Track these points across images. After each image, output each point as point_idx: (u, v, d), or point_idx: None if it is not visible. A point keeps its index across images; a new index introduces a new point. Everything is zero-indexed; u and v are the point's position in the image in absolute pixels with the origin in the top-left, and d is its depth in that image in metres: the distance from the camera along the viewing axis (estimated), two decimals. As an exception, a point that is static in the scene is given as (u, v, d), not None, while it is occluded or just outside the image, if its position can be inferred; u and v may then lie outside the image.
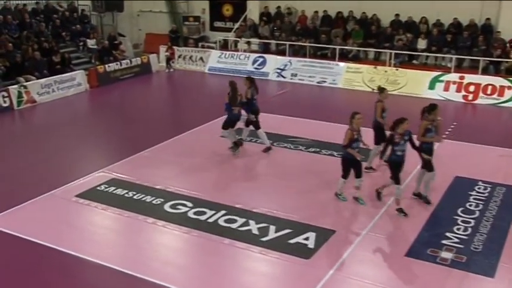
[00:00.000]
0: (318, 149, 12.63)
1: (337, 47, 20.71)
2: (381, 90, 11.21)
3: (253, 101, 12.30)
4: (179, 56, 22.87)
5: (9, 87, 16.64)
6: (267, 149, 12.54)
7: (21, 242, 8.56)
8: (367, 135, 10.35)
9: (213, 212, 9.45)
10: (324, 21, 22.58)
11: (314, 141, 13.14)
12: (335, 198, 10.08)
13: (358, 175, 9.75)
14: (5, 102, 16.21)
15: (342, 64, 20.07)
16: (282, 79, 20.49)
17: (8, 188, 10.68)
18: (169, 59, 22.34)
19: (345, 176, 9.84)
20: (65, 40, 21.88)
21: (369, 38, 21.33)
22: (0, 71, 18.16)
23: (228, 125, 12.06)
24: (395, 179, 9.33)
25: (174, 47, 22.77)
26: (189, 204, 9.76)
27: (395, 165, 9.30)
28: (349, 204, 9.87)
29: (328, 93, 19.05)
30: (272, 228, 8.92)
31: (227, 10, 25.35)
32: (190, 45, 24.13)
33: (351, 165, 9.71)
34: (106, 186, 10.59)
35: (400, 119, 9.20)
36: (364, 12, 21.90)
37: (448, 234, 8.76)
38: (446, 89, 18.07)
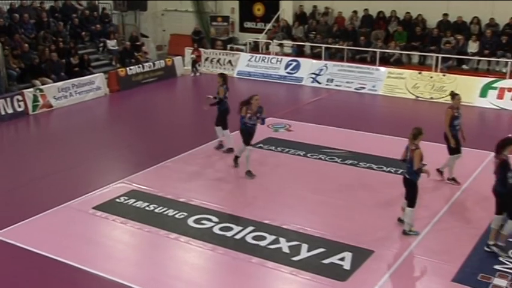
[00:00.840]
0: (355, 162, 12.59)
1: (378, 50, 20.64)
2: (453, 95, 11.19)
3: (224, 100, 13.12)
4: (206, 59, 23.12)
5: (25, 90, 17.06)
6: (229, 150, 13.05)
7: (33, 256, 8.75)
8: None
9: (240, 227, 9.50)
10: (364, 22, 22.55)
11: (351, 152, 13.11)
12: (374, 215, 10.02)
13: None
14: (19, 106, 16.64)
15: (382, 69, 19.99)
16: (317, 85, 20.51)
17: (20, 198, 10.95)
18: (195, 62, 22.59)
19: (413, 203, 9.24)
20: (83, 41, 22.36)
21: (413, 41, 21.20)
22: (15, 73, 18.68)
23: (247, 138, 11.83)
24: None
25: (201, 49, 23.03)
26: (215, 219, 9.85)
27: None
28: (389, 221, 9.80)
29: (367, 100, 18.98)
30: (304, 246, 8.93)
31: (258, 10, 25.55)
32: (218, 47, 24.37)
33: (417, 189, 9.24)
34: (125, 198, 10.76)
35: (507, 139, 8.59)
36: (408, 12, 21.81)
37: (501, 258, 8.62)
38: (500, 96, 17.81)
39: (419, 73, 19.28)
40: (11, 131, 15.98)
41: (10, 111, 16.31)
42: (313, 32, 22.98)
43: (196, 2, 26.26)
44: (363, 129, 14.90)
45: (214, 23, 25.79)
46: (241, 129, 11.88)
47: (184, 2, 26.58)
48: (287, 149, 13.39)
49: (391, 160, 12.20)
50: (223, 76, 13.46)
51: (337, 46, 21.85)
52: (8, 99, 16.37)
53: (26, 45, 19.43)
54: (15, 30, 19.83)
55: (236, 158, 12.29)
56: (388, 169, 12.11)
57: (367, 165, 12.38)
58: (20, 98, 16.67)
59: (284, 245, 8.98)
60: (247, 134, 11.79)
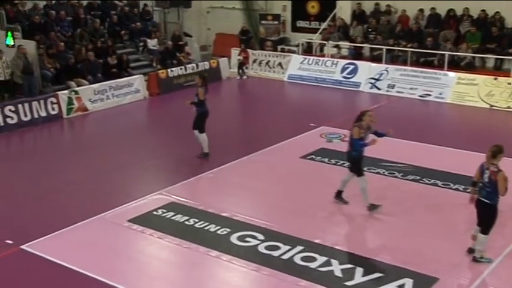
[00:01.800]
0: (417, 177, 12.43)
1: (447, 53, 20.34)
2: None
3: (204, 102, 13.49)
4: (254, 61, 23.26)
5: (59, 92, 17.53)
6: (204, 155, 13.40)
7: (63, 270, 8.93)
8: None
9: (288, 247, 9.48)
10: (431, 21, 22.29)
11: (413, 167, 12.96)
12: (438, 238, 9.83)
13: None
14: (53, 109, 17.11)
15: (451, 74, 19.68)
16: (376, 91, 20.35)
17: (51, 207, 11.23)
18: (242, 64, 22.76)
19: (489, 231, 8.91)
20: (122, 40, 22.86)
21: (488, 42, 20.82)
22: (50, 73, 19.23)
23: (360, 167, 10.93)
24: None
25: (249, 51, 23.19)
26: (260, 236, 9.86)
27: None
28: (456, 245, 9.60)
29: (433, 109, 18.72)
30: (359, 270, 8.84)
31: (312, 7, 25.58)
32: (268, 48, 24.50)
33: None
34: (164, 211, 10.90)
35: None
36: (483, 10, 21.43)
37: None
38: None
39: (495, 79, 18.89)
40: (44, 135, 16.45)
41: (43, 114, 16.79)
42: (373, 33, 22.85)
43: (245, -2, 26.49)
44: (427, 141, 14.68)
45: (263, 22, 25.95)
46: (352, 156, 10.80)
47: (231, -1, 26.87)
48: (341, 162, 13.25)
49: (459, 176, 11.99)
50: (203, 77, 13.91)
51: (400, 48, 21.64)
52: (42, 101, 16.85)
53: (62, 44, 19.98)
54: (51, 28, 20.46)
55: (340, 193, 11.19)
56: (456, 186, 11.89)
57: (432, 181, 12.19)
58: (54, 100, 17.14)
59: (336, 267, 8.91)
60: (360, 162, 10.80)
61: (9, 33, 18.78)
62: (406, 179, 12.40)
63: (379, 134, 10.99)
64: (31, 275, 8.93)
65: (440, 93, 19.39)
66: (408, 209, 11.01)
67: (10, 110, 16.02)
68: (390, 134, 11.15)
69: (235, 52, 23.33)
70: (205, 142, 13.60)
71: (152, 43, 22.97)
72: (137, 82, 19.61)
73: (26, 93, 18.09)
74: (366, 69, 21.02)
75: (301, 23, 26.05)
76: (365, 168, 12.72)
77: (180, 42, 23.61)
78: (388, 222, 10.47)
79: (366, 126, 10.72)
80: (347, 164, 11.20)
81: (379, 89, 20.44)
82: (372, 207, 10.76)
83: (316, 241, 9.68)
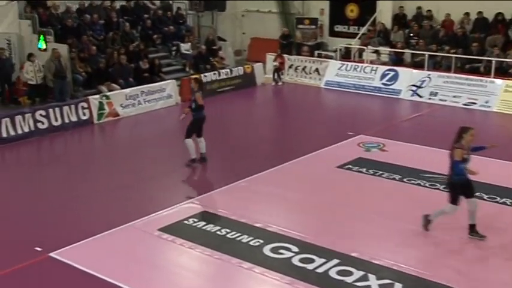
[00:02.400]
0: (462, 190, 12.24)
1: (494, 59, 20.09)
2: None
3: (203, 107, 13.67)
4: (289, 67, 23.30)
5: (90, 97, 17.81)
6: (192, 161, 13.65)
7: (91, 279, 9.02)
8: None
9: (323, 260, 9.43)
10: (477, 26, 22.04)
11: (457, 179, 12.77)
12: (486, 255, 9.67)
13: None
14: (84, 114, 17.36)
15: (499, 81, 19.44)
16: (417, 98, 20.18)
17: (80, 214, 11.38)
18: (277, 70, 22.80)
19: None
20: (155, 43, 23.12)
21: (538, 48, 20.51)
22: (81, 77, 19.56)
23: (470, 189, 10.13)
24: None
25: (285, 56, 23.22)
26: (294, 248, 9.83)
27: None
28: (505, 262, 9.43)
29: (478, 118, 18.47)
30: (398, 286, 8.74)
31: (351, 11, 25.52)
32: (304, 53, 24.54)
33: None
34: (195, 220, 10.95)
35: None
36: (534, 14, 21.14)
37: None
38: None
39: (544, 87, 18.60)
40: (74, 141, 16.71)
41: (74, 119, 17.07)
42: (415, 38, 22.69)
43: (281, 2, 26.56)
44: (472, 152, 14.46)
45: (300, 26, 25.99)
46: (453, 182, 10.07)
47: (267, 2, 26.97)
48: (380, 172, 13.21)
49: (507, 190, 11.78)
50: (199, 80, 14.10)
51: (443, 54, 21.43)
52: (73, 106, 17.14)
53: (94, 47, 20.31)
54: (83, 32, 20.81)
55: (428, 222, 10.43)
56: (503, 200, 11.71)
57: (476, 194, 11.98)
58: (85, 105, 17.40)
59: (374, 283, 8.83)
60: (461, 188, 9.98)
61: (41, 36, 19.20)
62: (448, 191, 12.19)
63: (477, 149, 10.18)
64: (59, 283, 9.05)
65: (486, 102, 19.13)
66: (451, 222, 10.84)
67: (41, 115, 16.32)
68: (494, 146, 10.57)
69: (270, 57, 23.37)
70: (192, 148, 13.71)
71: (185, 47, 23.18)
72: (169, 87, 19.79)
73: (57, 98, 18.44)
74: (407, 76, 20.86)
75: (339, 28, 26.00)
76: (405, 179, 12.74)
77: (214, 47, 23.79)
78: (429, 236, 10.32)
79: (467, 145, 9.96)
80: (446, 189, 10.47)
81: (420, 96, 20.26)
82: (477, 234, 10.08)
83: (353, 254, 9.61)
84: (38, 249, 9.79)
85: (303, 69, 23.14)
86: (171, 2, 25.32)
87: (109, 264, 9.46)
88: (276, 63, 22.81)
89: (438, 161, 13.81)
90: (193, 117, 13.72)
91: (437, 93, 20.03)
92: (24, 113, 16.09)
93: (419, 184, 12.62)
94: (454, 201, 10.06)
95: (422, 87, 20.34)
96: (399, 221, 10.92)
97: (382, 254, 9.64)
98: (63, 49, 19.12)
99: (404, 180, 12.80)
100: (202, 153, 13.91)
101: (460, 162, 9.82)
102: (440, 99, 19.85)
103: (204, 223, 10.79)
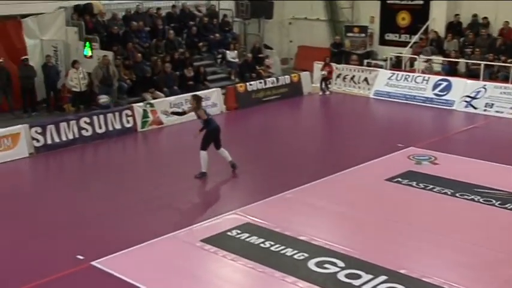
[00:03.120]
0: (519, 206, 12.02)
1: (554, 70, 19.68)
2: None
3: (210, 118, 13.89)
4: (338, 76, 23.21)
5: (134, 104, 18.05)
6: (202, 175, 13.61)
7: (134, 289, 9.15)
8: None
9: (370, 276, 9.32)
10: (538, 35, 21.62)
11: (514, 194, 12.56)
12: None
13: None
14: (128, 122, 17.61)
15: (558, 93, 19.03)
16: (471, 110, 19.86)
17: (123, 224, 11.51)
18: (325, 79, 22.73)
19: None
20: (200, 51, 23.34)
21: None
22: (126, 85, 19.86)
23: None
24: None
25: (333, 65, 23.14)
26: (340, 263, 9.74)
27: None
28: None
29: (536, 131, 18.09)
30: (449, 306, 8.60)
31: (403, 19, 25.31)
32: (353, 62, 24.44)
33: None
34: (238, 231, 10.96)
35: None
36: None
37: None
38: None
39: None
40: (117, 149, 16.95)
41: (118, 126, 17.32)
42: (470, 47, 22.38)
43: (330, 9, 26.52)
44: (529, 166, 14.20)
45: (349, 34, 25.91)
46: None
47: (315, 9, 27.01)
48: (431, 186, 13.02)
49: None
50: (196, 98, 14.06)
51: (500, 64, 21.06)
52: (117, 113, 17.39)
53: (139, 55, 20.61)
54: (129, 39, 21.14)
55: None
56: None
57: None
58: (129, 112, 17.65)
59: (423, 301, 8.71)
60: None
61: (87, 43, 19.60)
62: (505, 208, 11.98)
63: None
64: (100, 292, 9.19)
65: (546, 114, 18.75)
66: (507, 240, 10.62)
67: (85, 122, 16.61)
68: None
69: (318, 66, 23.33)
70: (205, 161, 13.70)
71: (231, 55, 23.32)
72: (214, 96, 19.91)
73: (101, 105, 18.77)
74: (461, 87, 20.54)
75: (390, 36, 25.82)
76: (457, 194, 12.53)
77: (260, 55, 23.88)
78: (482, 254, 10.11)
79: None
80: None
81: (475, 108, 19.94)
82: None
83: (402, 271, 9.48)
84: (80, 257, 9.94)
85: (352, 78, 23.02)
86: (217, 8, 25.49)
87: (150, 274, 9.53)
88: (324, 72, 22.72)
89: (494, 175, 13.64)
90: (206, 129, 13.81)
91: (493, 104, 19.66)
92: (69, 120, 16.41)
93: (472, 199, 12.39)
94: None
95: (477, 99, 19.99)
96: (451, 238, 10.73)
97: (432, 271, 9.48)
98: (108, 56, 19.47)
99: (457, 195, 12.58)
100: (230, 161, 14.01)
101: None
102: (497, 111, 19.48)
103: (247, 235, 10.79)
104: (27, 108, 19.20)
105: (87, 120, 16.69)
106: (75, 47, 20.40)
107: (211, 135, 13.76)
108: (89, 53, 19.55)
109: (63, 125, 16.18)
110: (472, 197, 12.50)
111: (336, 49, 25.12)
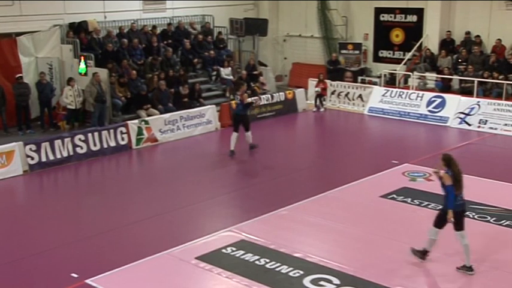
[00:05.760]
0: (513, 223, 12.05)
1: (546, 87, 19.79)
2: None
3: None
4: (332, 93, 23.29)
5: (129, 122, 18.07)
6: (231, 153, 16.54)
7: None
8: None
9: (366, 293, 9.35)
10: (531, 52, 21.75)
11: (508, 211, 12.59)
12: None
13: None
14: (122, 139, 17.61)
15: (552, 110, 19.13)
16: (465, 127, 19.93)
17: (118, 242, 11.52)
18: (319, 96, 22.80)
19: None
20: (195, 68, 23.42)
21: None
22: (121, 102, 19.90)
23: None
24: None
25: (327, 81, 23.23)
26: (336, 280, 9.75)
27: None
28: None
29: (530, 148, 18.16)
30: (444, 323, 8.60)
31: (397, 36, 25.47)
32: (348, 79, 24.52)
33: None
34: (233, 249, 10.97)
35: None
36: None
37: None
38: None
39: None
40: (112, 166, 16.96)
41: (113, 144, 17.33)
42: (464, 63, 22.48)
43: (324, 26, 26.66)
44: (524, 183, 14.25)
45: (343, 51, 26.04)
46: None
47: (309, 27, 27.15)
48: (426, 203, 13.05)
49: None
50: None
51: (493, 81, 21.17)
52: (112, 131, 17.41)
53: (134, 72, 20.67)
54: (123, 56, 21.20)
55: (425, 252, 10.51)
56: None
57: None
58: (123, 130, 17.67)
59: (419, 318, 8.70)
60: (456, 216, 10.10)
61: (82, 61, 19.65)
62: (500, 224, 12.02)
63: None
64: (95, 310, 9.16)
65: (540, 131, 18.82)
66: (501, 258, 10.65)
67: (80, 139, 16.62)
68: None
69: (312, 83, 23.42)
70: (232, 141, 16.95)
71: (226, 72, 23.40)
72: (209, 113, 19.97)
73: (94, 122, 18.78)
74: (455, 103, 20.63)
75: (384, 53, 25.96)
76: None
77: (255, 72, 23.96)
78: (482, 273, 10.13)
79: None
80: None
81: (469, 124, 20.01)
82: (469, 269, 10.04)
83: (397, 288, 9.51)
84: (75, 275, 9.93)
85: (346, 95, 23.10)
86: (211, 26, 25.61)
87: (145, 292, 9.52)
88: (318, 89, 22.80)
89: (488, 192, 13.68)
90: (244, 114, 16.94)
91: (487, 121, 19.74)
92: (64, 138, 16.42)
93: (467, 216, 12.36)
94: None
95: (471, 115, 20.08)
96: (446, 255, 10.74)
97: (427, 288, 9.50)
98: (103, 73, 19.54)
99: (452, 211, 12.60)
100: (249, 144, 17.17)
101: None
102: (490, 128, 19.55)
103: (242, 252, 10.80)
104: (21, 125, 19.21)
105: (82, 137, 16.69)
106: (70, 64, 20.47)
107: (234, 119, 17.24)
108: (84, 71, 19.62)
109: (57, 142, 16.19)
110: (467, 213, 12.49)
111: (332, 66, 25.23)
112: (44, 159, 15.87)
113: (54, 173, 15.82)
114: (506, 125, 19.37)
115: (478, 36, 23.01)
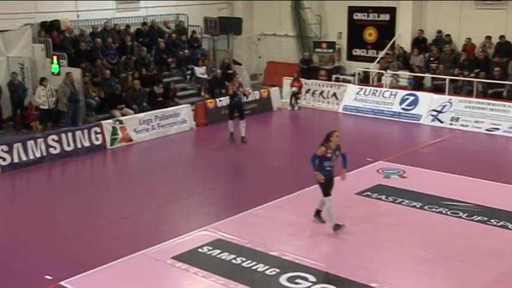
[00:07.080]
0: (484, 218, 12.14)
1: (517, 84, 20.04)
2: None
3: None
4: (307, 91, 23.34)
5: (103, 122, 17.92)
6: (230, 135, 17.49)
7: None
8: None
9: (342, 291, 9.38)
10: (500, 50, 21.97)
11: (479, 207, 12.69)
12: None
13: None
14: (97, 139, 17.45)
15: (522, 107, 19.36)
16: (438, 124, 20.11)
17: (92, 243, 11.40)
18: (294, 94, 22.83)
19: None
20: (169, 67, 23.30)
21: None
22: (95, 102, 19.74)
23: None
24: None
25: (302, 80, 23.28)
26: (312, 278, 9.77)
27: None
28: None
29: (501, 144, 18.36)
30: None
31: (370, 35, 25.60)
32: (322, 77, 24.59)
33: None
34: (209, 248, 10.93)
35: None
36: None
37: None
38: None
39: None
40: (86, 167, 16.81)
41: (86, 144, 17.16)
42: (435, 62, 22.68)
43: (298, 25, 26.71)
44: (495, 179, 14.39)
45: (317, 50, 26.11)
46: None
47: (284, 25, 27.16)
48: (400, 200, 13.15)
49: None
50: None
51: (464, 78, 21.39)
52: (85, 131, 17.24)
53: (108, 71, 20.51)
54: (96, 56, 21.01)
55: (318, 212, 12.11)
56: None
57: (500, 223, 11.90)
58: (97, 130, 17.50)
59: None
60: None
61: (55, 60, 19.43)
62: (471, 220, 12.13)
63: (343, 157, 12.20)
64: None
65: (510, 127, 19.00)
66: (472, 253, 10.75)
67: (53, 140, 16.43)
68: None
69: (287, 81, 23.45)
70: (230, 126, 18.19)
71: (200, 71, 23.33)
72: (184, 112, 19.88)
73: (68, 122, 18.59)
74: (427, 101, 20.81)
75: (357, 51, 26.07)
76: (426, 207, 12.67)
77: (230, 71, 23.90)
78: (447, 266, 10.23)
79: (334, 145, 12.22)
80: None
81: (441, 121, 20.20)
82: (337, 228, 11.38)
83: (373, 285, 9.54)
84: (48, 277, 9.83)
85: (321, 93, 23.17)
86: (186, 25, 25.51)
87: (120, 293, 9.46)
88: (295, 89, 22.81)
89: (461, 188, 13.81)
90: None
91: (458, 118, 19.94)
92: (36, 138, 16.22)
93: (440, 212, 12.53)
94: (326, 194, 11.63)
95: (443, 112, 20.27)
96: (420, 250, 10.83)
97: (403, 284, 9.55)
98: (76, 73, 19.36)
99: (425, 208, 12.71)
100: (241, 136, 17.97)
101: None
102: (462, 125, 19.75)
103: (218, 251, 10.77)
104: (-7, 126, 18.98)
105: (55, 137, 16.50)
106: (42, 63, 20.23)
107: (229, 108, 18.36)
108: (57, 70, 19.39)
109: (30, 143, 15.98)
110: (440, 209, 12.64)
111: (305, 65, 25.28)
112: (16, 160, 15.66)
113: (27, 174, 15.63)
114: (477, 122, 19.59)
115: (448, 35, 23.25)
